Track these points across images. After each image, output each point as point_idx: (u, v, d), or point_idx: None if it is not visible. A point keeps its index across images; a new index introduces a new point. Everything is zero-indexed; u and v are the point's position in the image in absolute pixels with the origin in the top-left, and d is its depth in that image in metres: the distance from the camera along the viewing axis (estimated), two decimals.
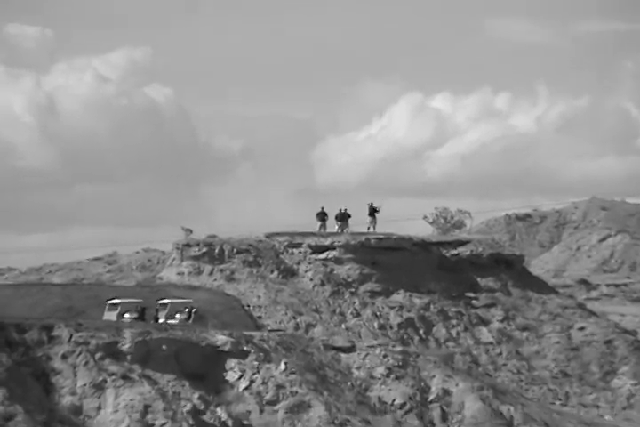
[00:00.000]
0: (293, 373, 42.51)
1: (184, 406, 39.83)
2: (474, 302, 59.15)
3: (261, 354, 42.85)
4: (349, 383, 43.82)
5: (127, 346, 40.69)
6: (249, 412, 41.09)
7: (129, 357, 40.56)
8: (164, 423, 39.06)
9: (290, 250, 58.61)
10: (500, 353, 56.82)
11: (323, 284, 56.94)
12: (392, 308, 56.74)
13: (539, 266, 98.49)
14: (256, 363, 42.41)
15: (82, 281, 62.57)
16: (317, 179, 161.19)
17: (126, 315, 45.69)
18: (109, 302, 46.99)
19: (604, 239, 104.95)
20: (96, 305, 48.33)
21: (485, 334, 57.55)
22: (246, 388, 41.65)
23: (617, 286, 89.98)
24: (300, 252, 58.50)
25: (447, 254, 60.72)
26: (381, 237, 59.64)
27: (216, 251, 57.44)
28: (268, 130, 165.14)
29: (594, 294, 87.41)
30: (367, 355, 45.23)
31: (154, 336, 41.33)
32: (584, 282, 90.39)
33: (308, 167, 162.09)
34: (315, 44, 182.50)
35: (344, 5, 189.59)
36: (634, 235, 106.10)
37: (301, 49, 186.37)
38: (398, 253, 59.14)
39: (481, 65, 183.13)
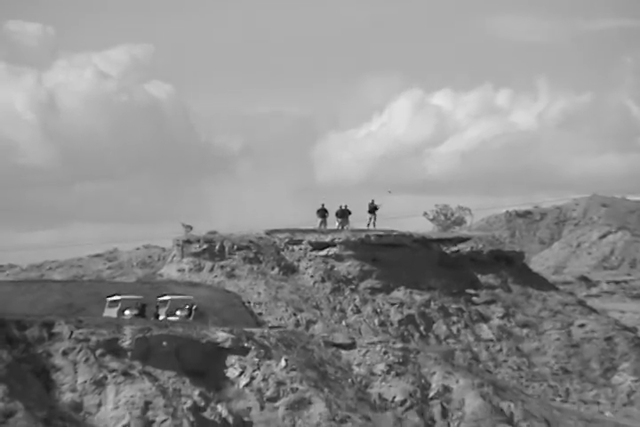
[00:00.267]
0: (294, 369, 42.51)
1: (184, 403, 39.83)
2: (474, 298, 59.15)
3: (262, 351, 42.86)
4: (350, 380, 43.83)
5: (127, 343, 40.69)
6: (249, 409, 41.09)
7: (129, 353, 40.56)
8: (165, 420, 39.06)
9: (290, 247, 58.61)
10: (501, 350, 56.83)
11: (323, 280, 56.95)
12: (392, 304, 56.75)
13: (539, 263, 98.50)
14: (256, 360, 42.41)
15: (82, 278, 62.58)
16: (318, 176, 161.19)
17: (127, 312, 45.68)
18: (110, 298, 46.98)
19: (604, 236, 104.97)
20: (96, 302, 48.34)
21: (486, 330, 57.56)
22: (247, 385, 41.65)
23: (617, 282, 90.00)
24: (301, 248, 58.50)
25: (447, 251, 60.72)
26: (382, 233, 59.65)
27: (216, 247, 57.45)
28: (268, 127, 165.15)
29: (594, 290, 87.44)
30: (367, 352, 45.24)
31: (154, 333, 41.32)
32: (584, 279, 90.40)
33: (308, 165, 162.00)
34: (315, 41, 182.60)
35: (344, 2, 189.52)
36: (634, 232, 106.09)
37: (302, 46, 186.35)
38: (399, 249, 59.14)
39: (482, 62, 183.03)
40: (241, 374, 41.90)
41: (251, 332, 44.14)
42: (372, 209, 61.33)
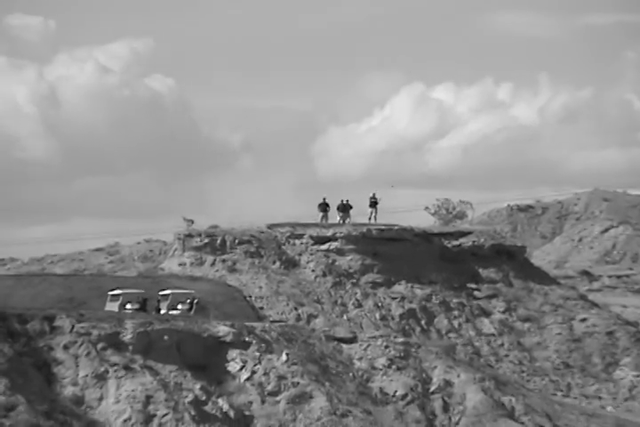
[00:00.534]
0: (295, 364, 42.50)
1: (186, 397, 39.83)
2: (475, 293, 59.12)
3: (263, 345, 42.84)
4: (351, 374, 43.82)
5: (129, 337, 40.68)
6: (250, 403, 41.09)
7: (130, 347, 40.55)
8: (166, 414, 39.07)
9: (292, 241, 58.57)
10: (502, 344, 56.81)
11: (324, 275, 56.92)
12: (394, 299, 56.72)
13: (540, 257, 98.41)
14: (258, 354, 42.40)
15: (83, 272, 62.52)
16: (318, 171, 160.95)
17: (128, 306, 45.66)
18: (111, 292, 46.95)
19: (606, 231, 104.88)
20: (98, 296, 48.31)
21: (487, 325, 57.53)
22: (248, 379, 41.65)
23: (619, 277, 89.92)
24: (302, 243, 58.46)
25: (449, 245, 60.68)
26: (383, 228, 59.60)
27: (218, 242, 57.42)
28: (269, 122, 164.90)
29: (596, 285, 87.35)
30: (369, 346, 45.22)
31: (155, 327, 41.32)
32: (586, 273, 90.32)
33: (309, 159, 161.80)
34: (316, 36, 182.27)
35: None
36: (636, 226, 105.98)
37: (302, 40, 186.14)
38: (400, 243, 59.10)
39: (483, 56, 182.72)
40: (242, 368, 41.89)
41: (252, 326, 44.13)
42: (373, 203, 61.30)
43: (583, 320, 59.32)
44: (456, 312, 57.43)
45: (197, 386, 40.46)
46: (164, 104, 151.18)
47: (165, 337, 41.22)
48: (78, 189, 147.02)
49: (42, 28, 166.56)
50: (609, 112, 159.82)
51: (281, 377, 41.90)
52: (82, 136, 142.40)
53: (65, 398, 38.45)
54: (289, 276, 56.39)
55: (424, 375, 44.47)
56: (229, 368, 41.84)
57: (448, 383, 44.42)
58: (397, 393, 43.52)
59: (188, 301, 46.66)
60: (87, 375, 39.30)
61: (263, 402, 41.18)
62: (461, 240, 61.10)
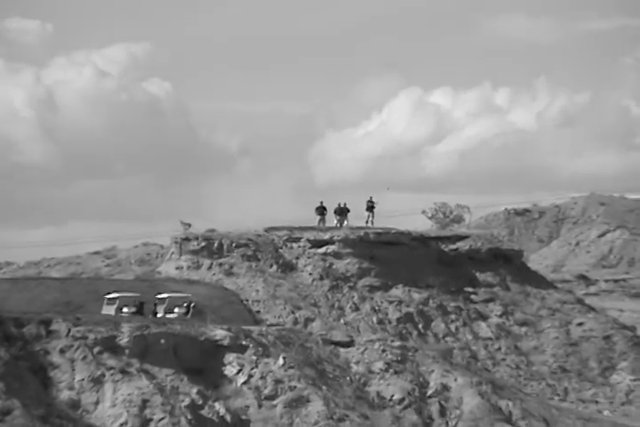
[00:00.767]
0: (292, 367, 42.43)
1: (182, 401, 39.75)
2: (472, 296, 59.09)
3: (260, 349, 42.78)
4: (348, 378, 43.75)
5: (125, 340, 40.60)
6: (247, 407, 41.01)
7: (127, 351, 40.47)
8: (163, 418, 38.99)
9: (289, 244, 58.53)
10: (499, 348, 56.77)
11: (322, 278, 56.87)
12: (391, 302, 56.67)
13: (537, 261, 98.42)
14: (254, 357, 42.33)
15: (80, 275, 62.45)
16: (316, 175, 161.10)
17: (124, 309, 45.60)
18: (108, 296, 46.89)
19: (602, 235, 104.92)
20: (94, 299, 48.24)
21: (484, 329, 57.50)
22: (245, 382, 41.58)
23: (616, 281, 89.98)
24: (299, 246, 58.42)
25: (446, 249, 60.67)
26: (380, 231, 59.58)
27: (215, 245, 57.36)
28: (266, 126, 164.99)
29: (592, 289, 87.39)
30: (366, 350, 45.17)
31: (152, 331, 41.24)
32: (583, 277, 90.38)
33: (306, 164, 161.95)
34: (313, 40, 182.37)
35: (343, 0, 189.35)
36: (633, 230, 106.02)
37: (300, 44, 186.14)
38: (397, 247, 59.07)
39: (481, 60, 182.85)
40: (239, 371, 41.83)
41: (249, 330, 44.06)
42: (370, 207, 61.29)
43: (580, 324, 59.31)
44: (453, 316, 57.40)
45: (194, 390, 40.38)
46: (161, 108, 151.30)
47: (162, 341, 41.14)
48: (75, 192, 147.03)
49: (39, 32, 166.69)
50: (606, 117, 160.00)
51: (278, 381, 41.83)
52: (79, 140, 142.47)
53: (61, 402, 38.36)
54: (286, 279, 56.34)
55: (421, 379, 44.42)
56: (226, 372, 41.77)
57: (445, 387, 44.37)
58: (394, 397, 43.46)
59: (185, 304, 46.60)
60: (83, 379, 39.22)
61: (260, 406, 41.11)
62: (458, 244, 61.10)
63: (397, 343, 46.46)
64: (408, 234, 60.24)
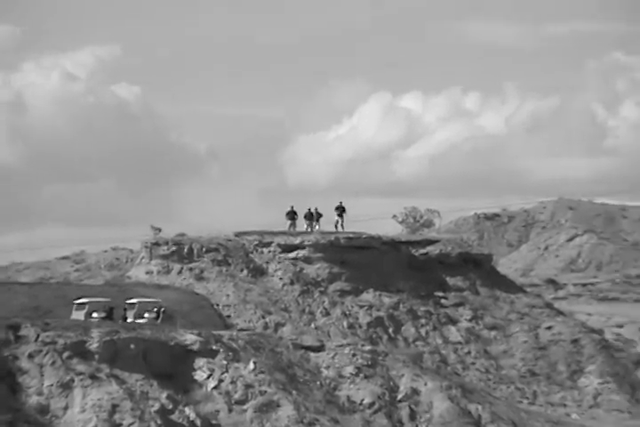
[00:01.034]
0: (262, 372, 42.42)
1: (152, 406, 39.63)
2: (443, 301, 59.30)
3: (230, 353, 42.73)
4: (318, 383, 43.79)
5: (95, 345, 40.43)
6: (217, 411, 40.95)
7: (97, 356, 40.30)
8: (132, 423, 38.85)
9: (259, 249, 58.50)
10: (469, 352, 57.01)
11: (292, 283, 56.88)
12: (361, 307, 56.78)
13: (507, 265, 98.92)
14: (225, 362, 42.28)
15: (49, 280, 62.11)
16: (287, 179, 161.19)
17: (94, 314, 45.37)
18: (77, 301, 46.64)
19: (571, 239, 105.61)
20: (63, 304, 47.96)
21: (454, 333, 57.72)
22: (215, 387, 41.52)
23: (584, 285, 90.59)
24: (270, 251, 58.41)
25: (416, 254, 60.86)
26: (351, 236, 59.68)
27: (185, 250, 57.24)
28: (236, 129, 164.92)
29: (561, 293, 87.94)
30: (336, 354, 45.22)
31: (122, 336, 41.09)
32: (551, 281, 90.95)
33: (277, 167, 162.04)
34: (284, 45, 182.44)
35: (313, 5, 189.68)
36: (600, 235, 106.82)
37: (270, 49, 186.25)
38: (368, 252, 59.19)
39: (450, 65, 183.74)
40: (209, 376, 41.75)
41: (219, 334, 44.00)
42: (340, 211, 61.39)
43: (549, 328, 59.66)
44: (423, 320, 57.57)
45: (164, 395, 40.27)
46: (130, 111, 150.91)
47: (132, 346, 41.00)
48: (45, 195, 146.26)
49: (8, 36, 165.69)
50: (574, 121, 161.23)
51: (248, 386, 41.81)
52: (48, 143, 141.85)
53: (30, 408, 38.14)
54: (256, 284, 56.31)
55: (391, 384, 44.53)
56: (196, 377, 41.68)
57: (415, 391, 44.51)
58: (365, 401, 43.54)
59: (155, 309, 46.45)
60: (52, 385, 39.02)
61: (230, 411, 41.06)
62: (429, 248, 61.31)
63: (368, 348, 46.56)
64: (379, 238, 60.39)
